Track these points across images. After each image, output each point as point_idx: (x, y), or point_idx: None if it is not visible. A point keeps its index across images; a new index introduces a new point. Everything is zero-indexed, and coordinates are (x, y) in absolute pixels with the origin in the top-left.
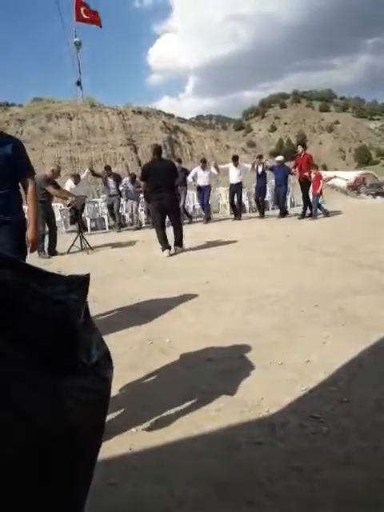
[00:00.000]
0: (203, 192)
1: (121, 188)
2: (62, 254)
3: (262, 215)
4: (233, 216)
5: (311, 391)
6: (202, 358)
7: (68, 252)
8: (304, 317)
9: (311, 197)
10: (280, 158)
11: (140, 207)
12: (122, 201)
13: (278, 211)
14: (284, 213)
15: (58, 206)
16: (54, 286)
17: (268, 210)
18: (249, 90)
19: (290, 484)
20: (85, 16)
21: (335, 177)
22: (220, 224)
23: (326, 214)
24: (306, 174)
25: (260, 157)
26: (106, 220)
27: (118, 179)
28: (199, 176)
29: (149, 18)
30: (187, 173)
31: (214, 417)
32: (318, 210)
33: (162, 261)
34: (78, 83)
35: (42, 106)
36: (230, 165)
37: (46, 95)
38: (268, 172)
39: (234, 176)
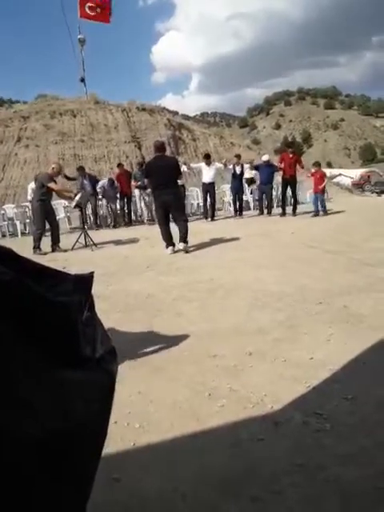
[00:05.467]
0: None
1: (98, 189)
2: (66, 250)
3: (240, 214)
4: (204, 217)
5: (315, 388)
6: (207, 354)
7: (72, 248)
8: (308, 314)
9: (313, 195)
10: (265, 157)
11: (117, 207)
12: (99, 201)
13: (258, 211)
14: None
15: (62, 204)
16: (59, 285)
17: (248, 210)
18: (253, 87)
19: (293, 481)
20: (89, 12)
21: (340, 174)
22: (221, 222)
23: (317, 213)
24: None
25: (238, 156)
26: (112, 217)
27: (93, 179)
28: None
29: (152, 16)
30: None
31: (218, 413)
32: (312, 207)
33: (165, 258)
34: (82, 80)
35: (46, 102)
36: (203, 164)
37: (50, 92)
38: (254, 171)
39: (206, 176)
